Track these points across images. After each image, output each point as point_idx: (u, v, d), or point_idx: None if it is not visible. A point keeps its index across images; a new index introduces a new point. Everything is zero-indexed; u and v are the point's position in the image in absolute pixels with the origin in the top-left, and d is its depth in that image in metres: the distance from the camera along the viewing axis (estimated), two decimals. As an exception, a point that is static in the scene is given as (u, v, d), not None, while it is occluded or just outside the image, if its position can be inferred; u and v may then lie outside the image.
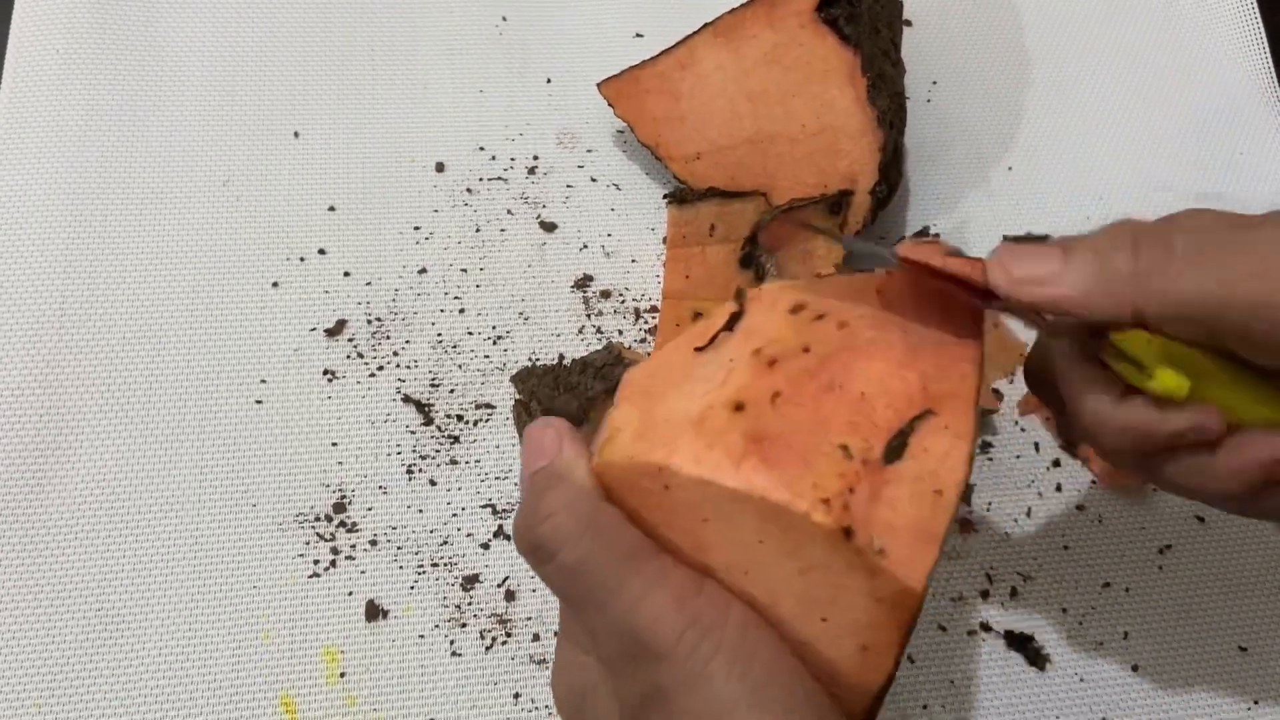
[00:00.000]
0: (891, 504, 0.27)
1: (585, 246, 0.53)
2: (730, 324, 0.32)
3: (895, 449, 0.28)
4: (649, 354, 0.50)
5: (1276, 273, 0.28)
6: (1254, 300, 0.28)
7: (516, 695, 0.43)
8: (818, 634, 0.28)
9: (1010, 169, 0.58)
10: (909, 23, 0.59)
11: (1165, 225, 0.30)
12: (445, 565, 0.45)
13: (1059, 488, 0.49)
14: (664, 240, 0.53)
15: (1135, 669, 0.46)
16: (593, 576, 0.28)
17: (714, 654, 0.27)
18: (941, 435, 0.28)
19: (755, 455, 0.28)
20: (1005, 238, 0.33)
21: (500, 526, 0.46)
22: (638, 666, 0.28)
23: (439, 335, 0.50)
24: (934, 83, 0.60)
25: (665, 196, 0.52)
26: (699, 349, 0.31)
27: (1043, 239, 0.32)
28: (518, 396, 0.48)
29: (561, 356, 0.50)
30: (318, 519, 0.46)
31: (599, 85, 0.54)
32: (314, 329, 0.50)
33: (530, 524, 0.29)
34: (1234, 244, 0.29)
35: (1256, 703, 0.46)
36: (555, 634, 0.44)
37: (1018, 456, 0.50)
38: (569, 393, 0.47)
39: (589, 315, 0.51)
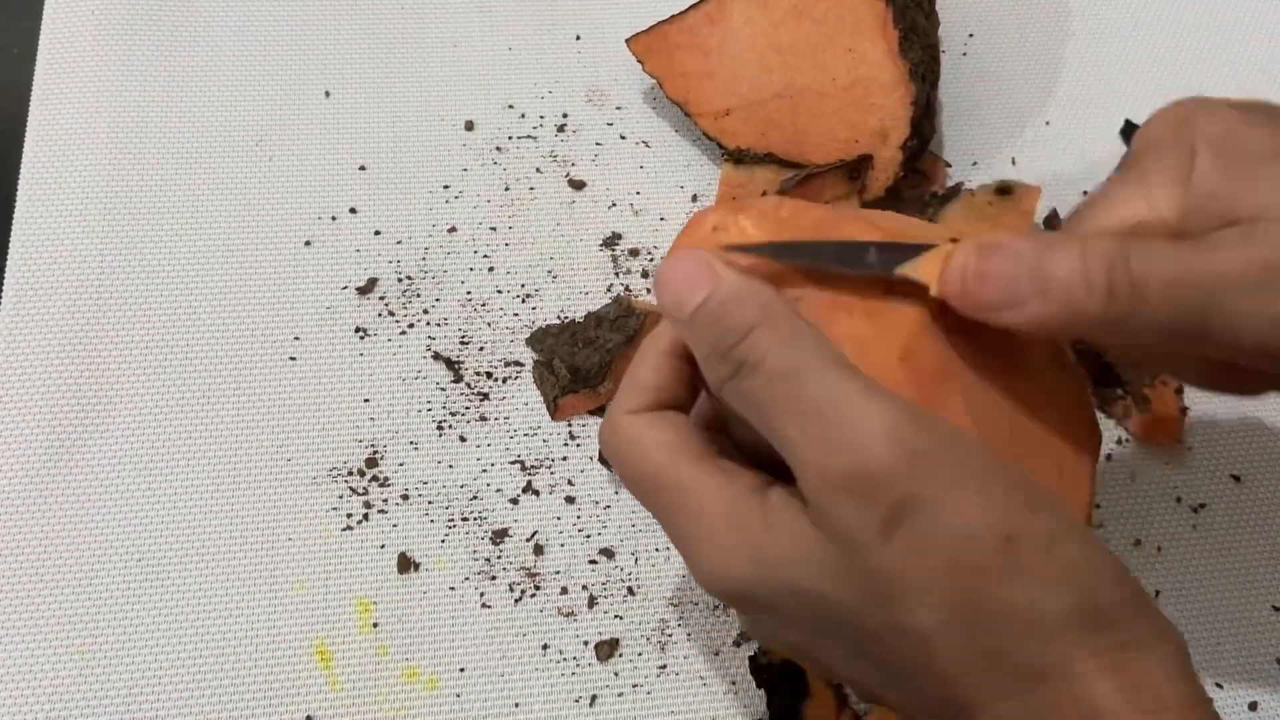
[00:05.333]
0: None
1: (614, 204, 0.53)
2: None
3: None
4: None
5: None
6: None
7: (545, 646, 0.44)
8: None
9: (1048, 123, 0.57)
10: (945, -26, 0.58)
11: (1142, 257, 0.28)
12: (475, 519, 0.46)
13: (1091, 446, 0.49)
14: (693, 198, 0.53)
15: (1166, 628, 0.46)
16: (804, 383, 0.26)
17: (966, 459, 0.26)
18: None
19: None
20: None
21: (529, 482, 0.47)
22: (861, 481, 0.25)
23: (468, 293, 0.51)
24: (970, 35, 0.59)
25: (724, 154, 0.52)
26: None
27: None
28: (536, 357, 0.49)
29: (573, 319, 0.50)
30: (350, 473, 0.47)
31: (628, 41, 0.54)
32: (345, 287, 0.50)
33: (724, 349, 0.28)
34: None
35: (1290, 663, 0.45)
36: (583, 587, 0.45)
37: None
38: (589, 347, 0.47)
39: (617, 273, 0.51)
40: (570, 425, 0.48)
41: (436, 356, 0.49)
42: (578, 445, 0.48)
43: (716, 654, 0.44)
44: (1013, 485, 0.26)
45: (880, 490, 0.25)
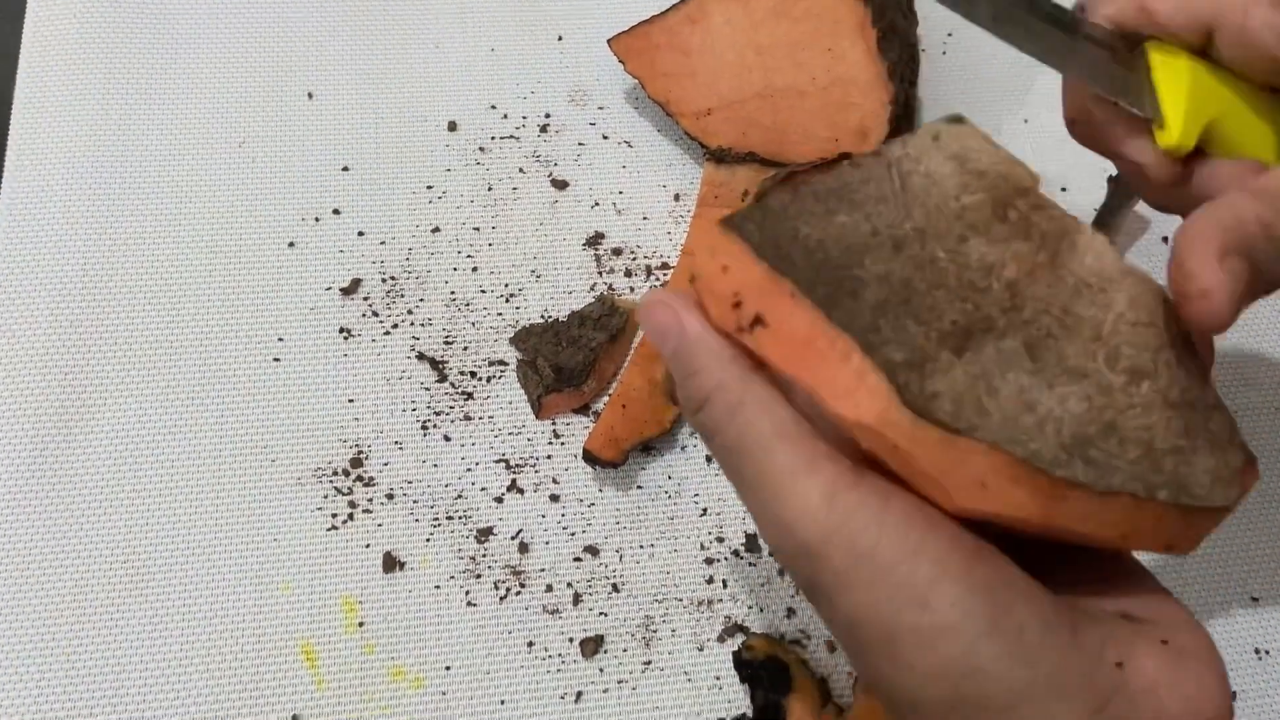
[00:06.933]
0: None
1: (597, 204, 0.53)
2: None
3: None
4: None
5: None
6: None
7: (530, 644, 0.44)
8: None
9: (1026, 121, 0.57)
10: (923, -26, 0.59)
11: None
12: (460, 518, 0.46)
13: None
14: (675, 197, 0.54)
15: (1145, 619, 0.46)
16: (745, 458, 0.27)
17: (873, 548, 0.26)
18: None
19: None
20: None
21: (513, 480, 0.47)
22: (794, 557, 0.27)
23: (452, 293, 0.51)
24: (949, 35, 0.59)
25: (705, 153, 0.52)
26: None
27: None
28: (520, 356, 0.49)
29: (556, 318, 0.50)
30: (335, 473, 0.47)
31: (609, 42, 0.54)
32: (329, 288, 0.50)
33: (690, 411, 0.29)
34: None
35: (1269, 652, 0.46)
36: (568, 584, 0.45)
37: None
38: (572, 346, 0.48)
39: (600, 273, 0.52)
40: (554, 424, 0.48)
41: (420, 356, 0.49)
42: (562, 444, 0.48)
43: (701, 650, 0.45)
44: (909, 576, 0.26)
45: (797, 566, 0.27)
